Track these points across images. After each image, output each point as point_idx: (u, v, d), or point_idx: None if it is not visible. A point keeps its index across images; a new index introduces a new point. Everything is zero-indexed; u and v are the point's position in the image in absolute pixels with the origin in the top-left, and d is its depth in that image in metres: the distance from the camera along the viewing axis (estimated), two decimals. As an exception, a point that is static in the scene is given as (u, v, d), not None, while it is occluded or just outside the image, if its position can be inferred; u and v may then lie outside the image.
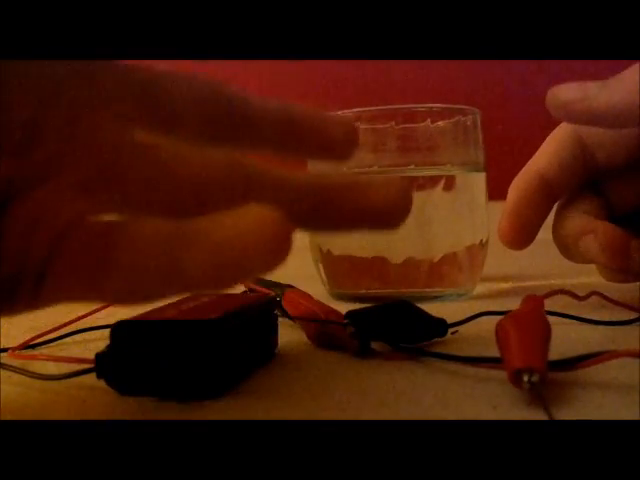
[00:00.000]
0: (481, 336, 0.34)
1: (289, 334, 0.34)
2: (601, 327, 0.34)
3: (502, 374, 0.26)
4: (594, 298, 0.37)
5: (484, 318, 0.35)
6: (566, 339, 0.32)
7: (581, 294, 0.37)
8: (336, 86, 1.37)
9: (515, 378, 0.23)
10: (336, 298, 0.46)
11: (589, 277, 0.53)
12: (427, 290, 0.45)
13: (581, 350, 0.25)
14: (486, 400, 0.24)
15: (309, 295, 0.35)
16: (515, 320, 0.26)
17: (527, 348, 0.24)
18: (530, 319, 0.26)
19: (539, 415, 0.22)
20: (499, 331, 0.26)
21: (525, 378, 0.22)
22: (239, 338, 0.27)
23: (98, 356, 0.25)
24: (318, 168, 0.47)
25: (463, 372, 0.27)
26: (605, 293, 0.37)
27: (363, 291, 0.46)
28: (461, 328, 0.34)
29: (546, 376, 0.23)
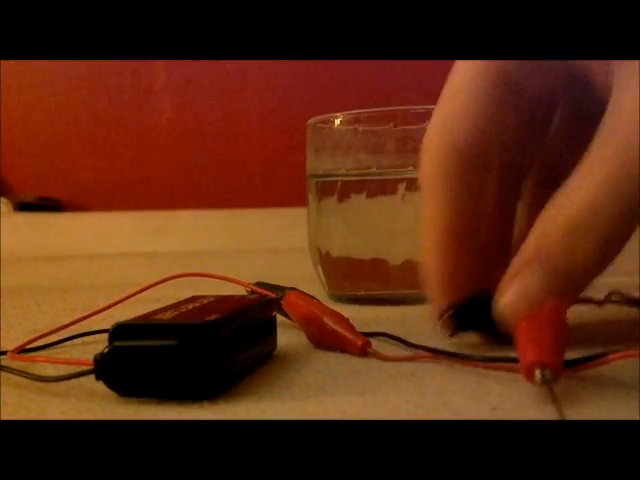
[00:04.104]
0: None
1: (288, 335, 0.34)
2: (602, 327, 0.34)
3: (502, 375, 0.26)
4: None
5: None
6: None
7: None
8: (336, 86, 1.37)
9: (529, 373, 0.23)
10: (335, 300, 0.46)
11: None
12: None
13: (580, 351, 0.25)
14: (486, 401, 0.24)
15: (311, 297, 0.35)
16: (533, 320, 0.26)
17: (542, 345, 0.24)
18: (548, 319, 0.26)
19: (538, 416, 0.22)
20: (517, 330, 0.26)
21: (538, 373, 0.23)
22: (237, 340, 0.27)
23: (96, 358, 0.25)
24: (315, 167, 0.47)
25: (463, 373, 0.27)
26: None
27: (362, 292, 0.46)
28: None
29: (559, 373, 0.23)
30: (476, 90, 0.27)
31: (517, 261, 0.27)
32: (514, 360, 0.25)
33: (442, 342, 0.30)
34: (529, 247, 0.27)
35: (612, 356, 0.24)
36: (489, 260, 0.30)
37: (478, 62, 0.27)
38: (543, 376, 0.23)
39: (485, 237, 0.29)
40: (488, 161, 0.28)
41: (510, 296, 0.27)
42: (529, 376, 0.23)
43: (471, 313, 0.30)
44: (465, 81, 0.28)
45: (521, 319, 0.26)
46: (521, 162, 0.30)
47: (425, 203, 0.29)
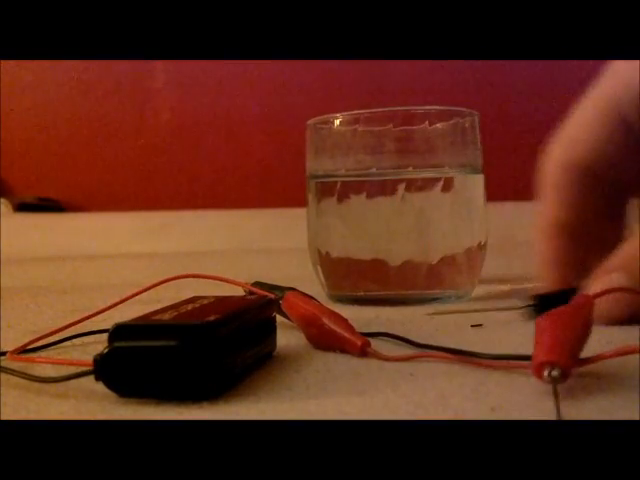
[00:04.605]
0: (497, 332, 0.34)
1: (288, 336, 0.34)
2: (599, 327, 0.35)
3: (502, 375, 0.26)
4: None
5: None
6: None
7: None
8: (336, 86, 1.37)
9: (538, 371, 0.23)
10: (334, 300, 0.46)
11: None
12: (426, 292, 0.45)
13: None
14: (485, 401, 0.24)
15: (310, 297, 0.35)
16: (554, 316, 0.27)
17: (555, 344, 0.24)
18: (569, 316, 0.27)
19: (538, 416, 0.22)
20: (537, 326, 0.26)
21: (546, 372, 0.23)
22: (237, 340, 0.27)
23: (96, 358, 0.25)
24: (314, 168, 0.47)
25: (463, 373, 0.27)
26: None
27: (362, 293, 0.46)
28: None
29: (569, 373, 0.23)
30: (595, 119, 0.34)
31: (608, 264, 0.33)
32: (522, 358, 0.26)
33: (442, 342, 0.30)
34: (621, 256, 0.33)
35: (608, 353, 0.25)
36: (587, 256, 0.35)
37: (600, 94, 0.33)
38: (551, 375, 0.23)
39: (588, 238, 0.36)
40: (599, 176, 0.35)
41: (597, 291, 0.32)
42: (538, 374, 0.23)
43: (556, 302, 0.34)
44: (589, 109, 0.34)
45: (542, 316, 0.27)
46: (629, 182, 0.36)
47: (543, 202, 0.36)
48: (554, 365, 0.23)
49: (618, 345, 0.25)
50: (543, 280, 0.37)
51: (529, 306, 0.36)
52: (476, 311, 0.39)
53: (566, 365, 0.23)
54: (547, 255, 0.36)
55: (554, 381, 0.23)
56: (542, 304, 0.35)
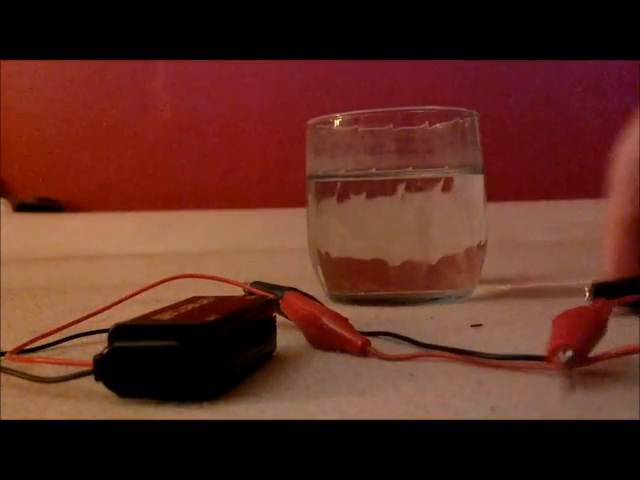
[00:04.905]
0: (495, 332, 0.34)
1: (288, 336, 0.34)
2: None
3: (502, 376, 0.26)
4: None
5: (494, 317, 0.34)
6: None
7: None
8: (336, 86, 1.37)
9: (552, 356, 0.24)
10: (334, 300, 0.46)
11: (588, 279, 0.53)
12: (426, 292, 0.45)
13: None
14: (485, 401, 0.24)
15: (310, 297, 0.35)
16: (570, 315, 0.27)
17: (570, 333, 0.25)
18: (585, 317, 0.27)
19: (537, 416, 0.22)
20: (553, 324, 0.26)
21: (560, 354, 0.23)
22: (237, 340, 0.27)
23: (96, 359, 0.25)
24: (314, 168, 0.47)
25: (462, 373, 0.27)
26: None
27: (362, 293, 0.46)
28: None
29: (584, 357, 0.24)
30: None
31: None
32: (525, 358, 0.26)
33: (442, 342, 0.30)
34: None
35: (612, 352, 0.25)
36: None
37: None
38: (565, 355, 0.23)
39: None
40: None
41: None
42: (552, 359, 0.24)
43: (622, 290, 0.36)
44: None
45: (559, 315, 0.27)
46: None
47: (612, 200, 0.37)
48: (568, 347, 0.23)
49: (620, 344, 0.25)
50: (612, 275, 0.38)
51: (597, 292, 0.36)
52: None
53: (581, 348, 0.23)
54: (617, 251, 0.38)
55: (568, 363, 0.23)
56: (610, 290, 0.36)
